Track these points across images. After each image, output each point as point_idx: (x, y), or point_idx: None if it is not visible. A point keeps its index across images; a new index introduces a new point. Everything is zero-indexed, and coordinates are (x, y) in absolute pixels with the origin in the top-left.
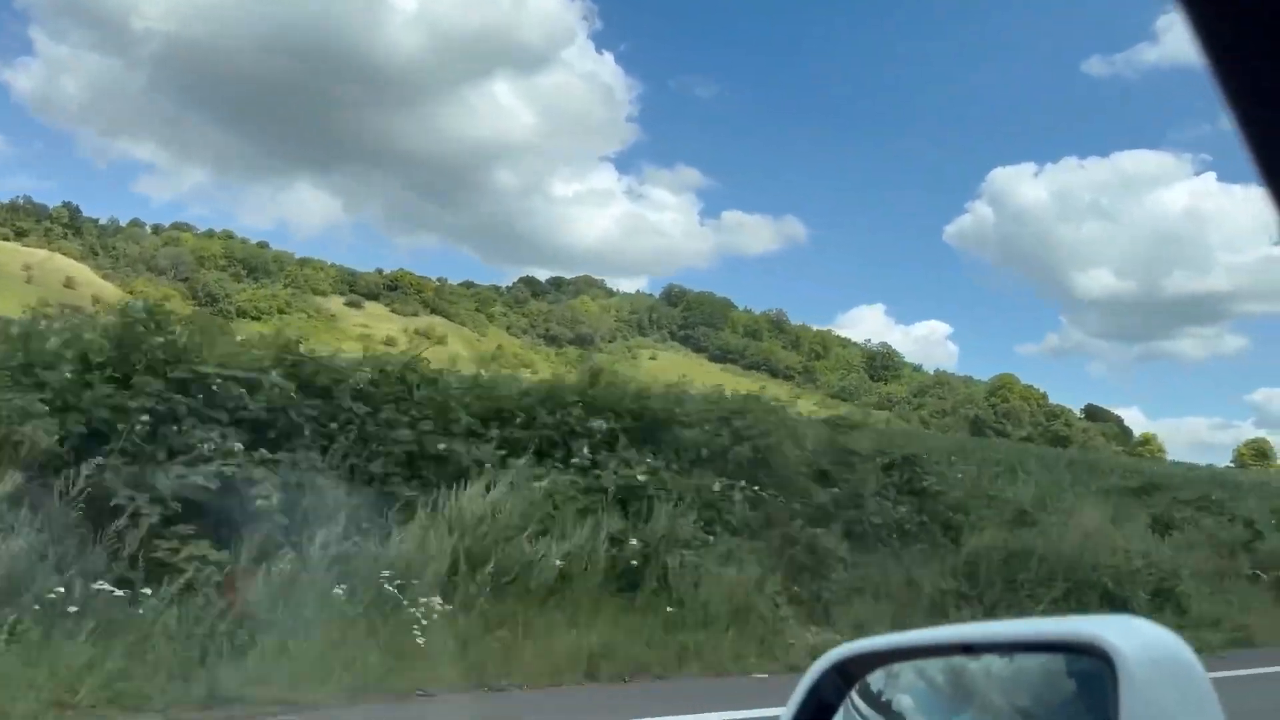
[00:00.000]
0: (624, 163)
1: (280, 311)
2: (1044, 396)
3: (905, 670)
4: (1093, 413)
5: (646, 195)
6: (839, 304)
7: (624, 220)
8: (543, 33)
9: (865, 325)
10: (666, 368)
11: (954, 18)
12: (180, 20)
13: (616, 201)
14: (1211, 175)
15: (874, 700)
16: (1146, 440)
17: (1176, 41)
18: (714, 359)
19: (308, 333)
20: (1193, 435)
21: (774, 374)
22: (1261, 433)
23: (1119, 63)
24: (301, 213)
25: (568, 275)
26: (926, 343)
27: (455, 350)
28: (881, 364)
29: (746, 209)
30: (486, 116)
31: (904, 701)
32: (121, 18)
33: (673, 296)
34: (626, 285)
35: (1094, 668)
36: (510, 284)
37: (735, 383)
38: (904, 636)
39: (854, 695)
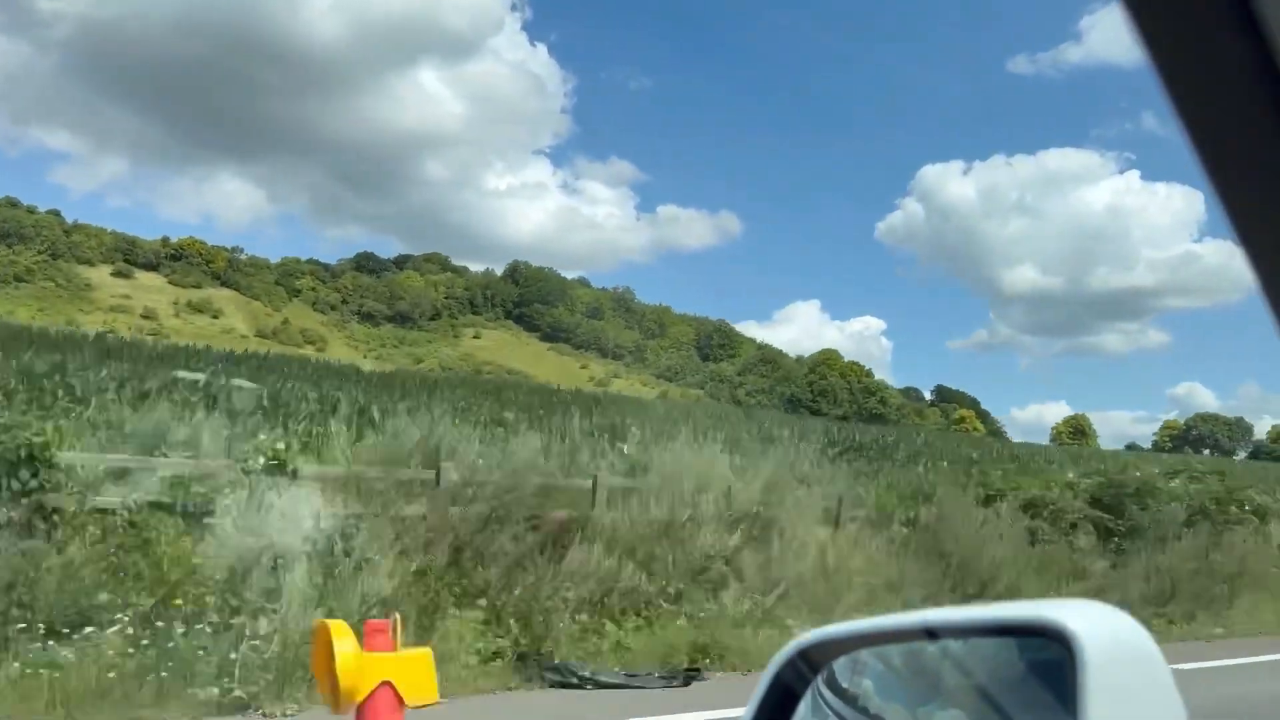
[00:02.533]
0: (558, 156)
1: (18, 279)
2: (868, 373)
3: (867, 656)
4: (943, 393)
5: (582, 189)
6: (775, 300)
7: (559, 214)
8: (469, 20)
9: (801, 321)
10: (489, 347)
11: (885, 17)
12: (91, 1)
13: (551, 195)
14: (1135, 173)
15: (838, 687)
16: (963, 419)
17: (1100, 41)
18: (546, 338)
19: (48, 303)
20: (1117, 428)
21: (603, 353)
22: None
23: (1043, 62)
24: (226, 205)
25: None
26: (861, 338)
27: (231, 324)
28: (718, 342)
29: (682, 203)
30: (414, 106)
31: (866, 687)
32: None
33: (517, 274)
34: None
35: (1052, 651)
36: (336, 260)
37: (558, 363)
38: (867, 623)
39: (819, 682)
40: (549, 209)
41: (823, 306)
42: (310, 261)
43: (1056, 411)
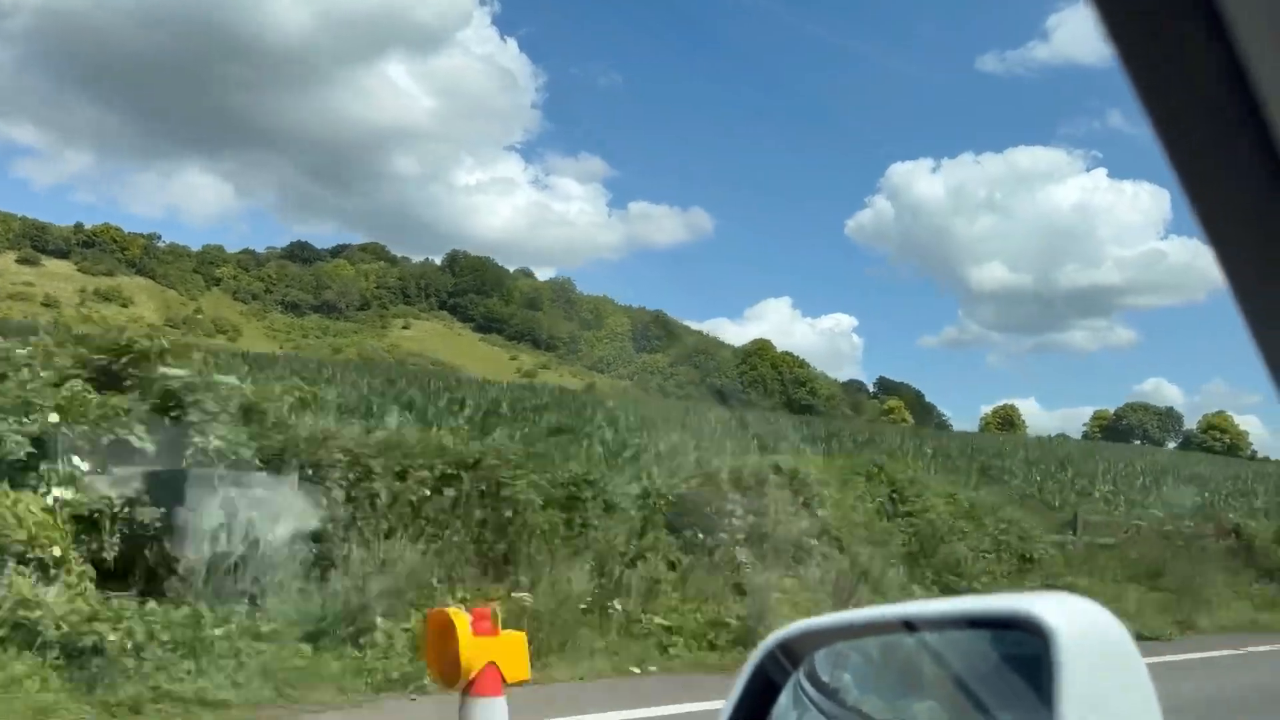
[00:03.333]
0: (529, 152)
1: None
2: (801, 364)
3: (847, 649)
4: (886, 386)
5: (553, 185)
6: (747, 297)
7: (530, 210)
8: (437, 13)
9: (772, 318)
10: (418, 337)
11: (854, 15)
12: None
13: (522, 191)
14: (1102, 171)
15: (818, 680)
16: (891, 409)
17: (1067, 40)
18: (480, 329)
19: None
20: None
21: (537, 344)
22: None
23: (1011, 60)
24: (192, 199)
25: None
26: (832, 335)
27: (140, 313)
28: (654, 333)
29: (654, 200)
30: (382, 100)
31: (846, 680)
32: None
33: (455, 264)
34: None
35: (1029, 643)
36: (263, 249)
37: (489, 354)
38: (847, 615)
39: (800, 675)
40: (519, 205)
41: (794, 303)
42: (244, 251)
43: (1026, 408)
